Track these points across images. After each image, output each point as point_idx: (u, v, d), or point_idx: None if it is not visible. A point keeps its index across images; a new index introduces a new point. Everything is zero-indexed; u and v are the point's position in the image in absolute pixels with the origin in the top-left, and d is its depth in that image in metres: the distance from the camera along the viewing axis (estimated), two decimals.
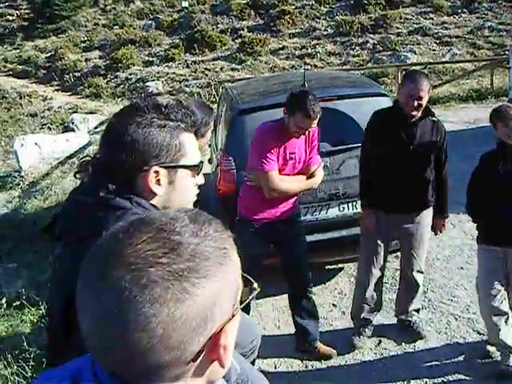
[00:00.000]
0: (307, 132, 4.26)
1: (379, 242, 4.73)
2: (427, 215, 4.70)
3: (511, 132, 4.09)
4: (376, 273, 4.82)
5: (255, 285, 1.06)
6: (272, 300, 5.76)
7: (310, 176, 4.49)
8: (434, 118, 4.54)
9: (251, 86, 7.55)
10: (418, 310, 5.09)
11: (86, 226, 1.68)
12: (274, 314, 5.59)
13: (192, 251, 0.94)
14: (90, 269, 0.97)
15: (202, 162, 1.87)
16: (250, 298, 1.04)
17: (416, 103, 4.25)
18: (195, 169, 1.83)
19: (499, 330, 4.29)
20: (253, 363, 3.39)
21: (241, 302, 1.03)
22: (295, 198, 4.56)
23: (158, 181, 1.74)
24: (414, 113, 4.31)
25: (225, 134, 5.92)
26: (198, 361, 0.96)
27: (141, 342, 0.90)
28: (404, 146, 4.42)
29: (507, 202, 4.13)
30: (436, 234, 4.97)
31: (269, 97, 6.10)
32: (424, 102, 4.29)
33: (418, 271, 4.84)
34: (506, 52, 16.27)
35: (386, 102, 5.80)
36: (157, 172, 1.73)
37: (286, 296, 5.69)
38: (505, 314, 4.31)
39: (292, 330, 5.01)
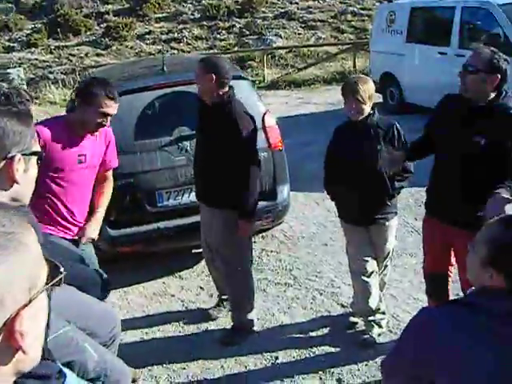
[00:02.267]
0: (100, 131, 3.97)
1: None
2: None
3: (348, 106, 4.22)
4: None
5: (62, 269, 1.03)
6: (140, 287, 5.71)
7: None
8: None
9: (112, 71, 7.40)
10: None
11: None
12: (143, 301, 5.52)
13: None
14: None
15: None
16: (54, 281, 1.01)
17: None
18: (40, 156, 1.86)
19: (370, 291, 4.49)
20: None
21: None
22: None
23: (17, 169, 1.75)
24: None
25: None
26: None
27: None
28: None
29: (353, 179, 4.29)
30: None
31: (128, 82, 6.00)
32: None
33: None
34: (368, 36, 16.87)
35: (245, 86, 5.86)
36: (19, 159, 1.74)
37: (154, 282, 5.68)
38: (375, 274, 4.53)
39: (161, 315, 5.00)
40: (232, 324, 4.93)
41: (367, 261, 4.48)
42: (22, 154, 1.75)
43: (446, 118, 3.92)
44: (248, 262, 4.86)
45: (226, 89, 4.38)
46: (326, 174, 4.55)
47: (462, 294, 4.80)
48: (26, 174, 1.78)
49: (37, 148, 1.84)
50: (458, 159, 3.76)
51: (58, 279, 1.00)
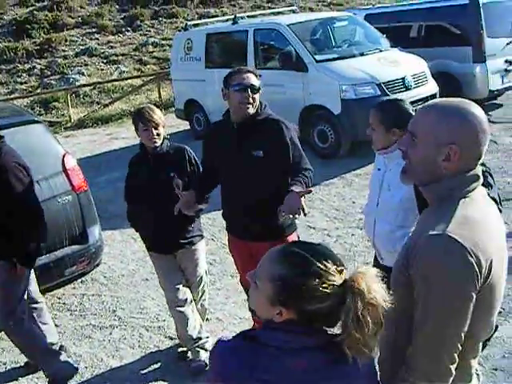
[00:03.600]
0: None
1: None
2: None
3: (148, 134, 4.27)
4: None
5: None
6: None
7: None
8: None
9: None
10: None
11: None
12: None
13: None
14: None
15: None
16: None
17: None
18: None
19: (188, 320, 4.53)
20: None
21: None
22: None
23: None
24: None
25: None
26: None
27: None
28: None
29: (150, 207, 4.38)
30: None
31: None
32: None
33: None
34: (170, 65, 17.09)
35: (39, 129, 5.68)
36: None
37: None
38: (189, 302, 4.57)
39: None
40: (48, 380, 4.69)
41: (178, 289, 4.51)
42: None
43: (218, 144, 4.12)
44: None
45: None
46: (127, 206, 4.62)
47: None
48: None
49: None
50: (240, 177, 3.97)
51: None
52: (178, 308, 4.51)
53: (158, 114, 4.25)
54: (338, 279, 1.70)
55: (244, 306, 5.29)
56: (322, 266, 1.70)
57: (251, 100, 3.82)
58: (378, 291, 1.67)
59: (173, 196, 4.16)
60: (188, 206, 4.09)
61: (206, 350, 4.65)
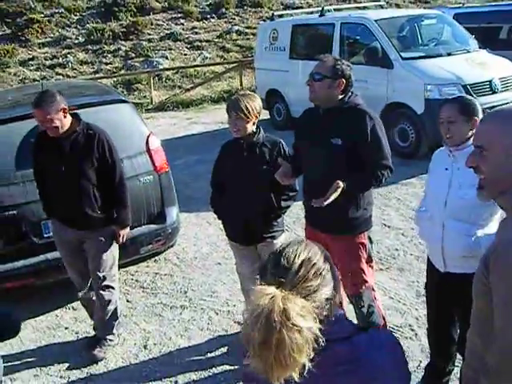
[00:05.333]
0: None
1: None
2: None
3: (230, 124, 4.25)
4: None
5: None
6: (32, 321, 5.50)
7: None
8: None
9: None
10: None
11: None
12: (36, 336, 5.33)
13: None
14: None
15: None
16: None
17: None
18: None
19: None
20: None
21: None
22: None
23: None
24: None
25: None
26: None
27: None
28: None
29: (237, 197, 4.33)
30: None
31: (7, 111, 5.80)
32: None
33: None
34: (253, 54, 17.15)
35: (127, 109, 5.81)
36: None
37: (47, 315, 5.49)
38: None
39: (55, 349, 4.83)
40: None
41: (256, 279, 4.49)
42: None
43: (305, 130, 4.11)
44: None
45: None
46: (212, 191, 4.57)
47: None
48: None
49: None
50: (318, 165, 3.93)
51: None
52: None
53: (248, 106, 4.09)
54: None
55: None
56: None
57: (311, 87, 3.85)
58: None
59: (260, 188, 4.17)
60: (285, 176, 4.05)
61: None
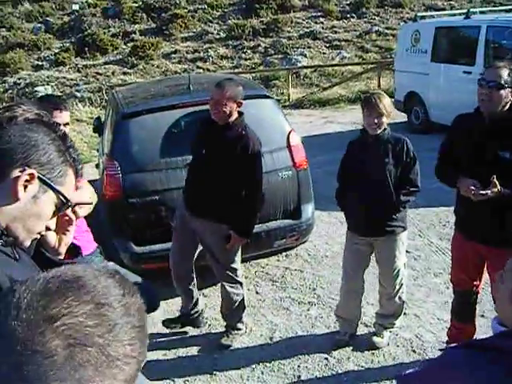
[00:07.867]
0: None
1: None
2: None
3: (370, 120, 4.28)
4: None
5: None
6: (164, 304, 5.70)
7: None
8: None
9: (137, 90, 7.49)
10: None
11: None
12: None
13: (126, 334, 0.89)
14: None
15: (68, 207, 1.69)
16: None
17: None
18: (62, 204, 1.63)
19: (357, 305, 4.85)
20: None
21: None
22: None
23: (26, 187, 1.52)
24: None
25: (110, 139, 5.85)
26: None
27: None
28: None
29: (361, 190, 4.39)
30: None
31: (153, 100, 6.07)
32: None
33: None
34: (392, 55, 16.88)
35: (270, 105, 5.90)
36: (31, 176, 1.51)
37: (177, 299, 5.67)
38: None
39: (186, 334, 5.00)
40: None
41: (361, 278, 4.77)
42: (41, 180, 1.54)
43: (464, 138, 3.92)
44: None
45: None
46: (338, 185, 4.69)
47: (487, 315, 4.78)
48: (34, 201, 1.55)
49: (64, 193, 1.61)
50: (484, 177, 3.71)
51: None
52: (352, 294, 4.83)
53: (384, 103, 4.22)
54: None
55: (444, 307, 5.15)
56: None
57: (486, 96, 3.66)
58: None
59: (382, 182, 4.24)
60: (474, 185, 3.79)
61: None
